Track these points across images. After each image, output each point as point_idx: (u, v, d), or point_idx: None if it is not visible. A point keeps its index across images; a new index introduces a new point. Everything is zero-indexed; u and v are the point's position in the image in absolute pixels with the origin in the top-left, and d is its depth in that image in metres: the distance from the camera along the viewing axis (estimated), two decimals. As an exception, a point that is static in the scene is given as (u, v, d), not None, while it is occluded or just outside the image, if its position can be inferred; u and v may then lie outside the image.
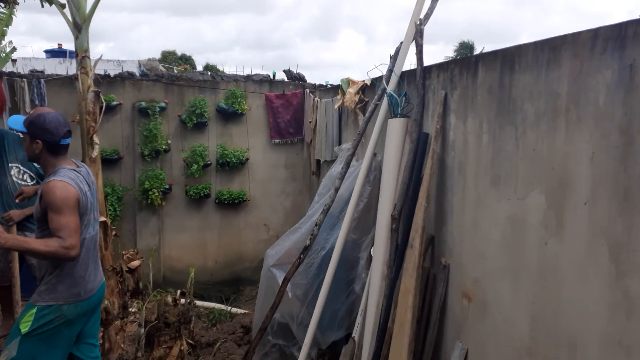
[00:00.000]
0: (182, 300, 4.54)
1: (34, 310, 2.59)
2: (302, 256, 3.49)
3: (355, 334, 3.30)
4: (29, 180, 4.30)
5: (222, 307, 5.63)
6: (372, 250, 3.35)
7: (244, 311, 5.50)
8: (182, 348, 3.96)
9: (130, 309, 4.69)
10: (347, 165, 3.53)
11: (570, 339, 1.73)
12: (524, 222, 1.98)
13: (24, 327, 2.58)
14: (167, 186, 6.15)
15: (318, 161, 5.81)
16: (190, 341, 4.44)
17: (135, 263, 4.96)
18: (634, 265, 1.46)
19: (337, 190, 3.48)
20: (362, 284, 3.47)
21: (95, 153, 4.66)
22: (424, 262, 2.78)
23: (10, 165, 4.25)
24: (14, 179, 4.22)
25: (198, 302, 5.49)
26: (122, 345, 4.16)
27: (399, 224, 2.92)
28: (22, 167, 4.28)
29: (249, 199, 6.54)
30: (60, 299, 2.63)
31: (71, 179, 2.61)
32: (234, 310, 5.58)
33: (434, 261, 2.81)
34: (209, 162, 6.28)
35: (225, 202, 6.38)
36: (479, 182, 2.34)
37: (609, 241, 1.55)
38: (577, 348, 1.70)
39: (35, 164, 4.30)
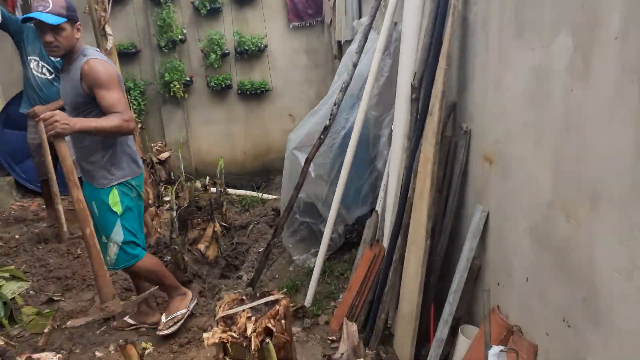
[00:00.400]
0: (213, 189, 4.69)
1: (115, 192, 2.74)
2: (322, 137, 3.45)
3: (378, 207, 3.33)
4: (47, 74, 4.29)
5: (254, 194, 5.80)
6: (392, 126, 3.26)
7: (275, 197, 5.65)
8: (216, 229, 4.14)
9: (164, 198, 4.88)
10: (365, 38, 3.33)
11: (593, 188, 1.66)
12: (549, 71, 1.82)
13: (118, 209, 2.76)
14: (187, 78, 6.07)
15: (339, 43, 5.55)
16: (223, 224, 4.64)
17: (165, 155, 5.07)
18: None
19: (355, 66, 3.32)
20: (384, 161, 3.44)
21: (110, 44, 4.55)
22: (444, 130, 2.68)
23: (29, 58, 4.23)
24: (34, 72, 4.22)
25: (230, 190, 5.67)
26: (158, 229, 4.39)
27: (420, 93, 2.79)
28: (40, 61, 4.26)
29: (271, 88, 6.42)
30: (128, 174, 2.81)
31: (104, 57, 2.62)
32: (265, 196, 5.74)
33: (455, 128, 2.72)
34: (226, 52, 6.10)
35: (248, 92, 6.28)
36: (503, 36, 2.16)
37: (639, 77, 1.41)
38: (599, 197, 1.63)
39: (53, 58, 4.27)
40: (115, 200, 2.72)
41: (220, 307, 1.83)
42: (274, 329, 1.70)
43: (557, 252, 1.86)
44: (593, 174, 1.65)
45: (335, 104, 3.32)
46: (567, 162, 1.78)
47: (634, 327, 1.50)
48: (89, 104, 2.60)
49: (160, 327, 3.02)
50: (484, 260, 2.48)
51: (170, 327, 3.02)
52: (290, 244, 4.14)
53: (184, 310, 3.11)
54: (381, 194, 3.30)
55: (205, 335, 1.72)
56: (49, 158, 4.31)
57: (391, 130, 3.37)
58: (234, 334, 1.70)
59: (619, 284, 1.55)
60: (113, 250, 2.81)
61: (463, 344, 2.44)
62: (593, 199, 1.66)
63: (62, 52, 2.58)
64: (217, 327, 1.75)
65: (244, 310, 1.78)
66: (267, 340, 1.56)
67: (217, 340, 1.70)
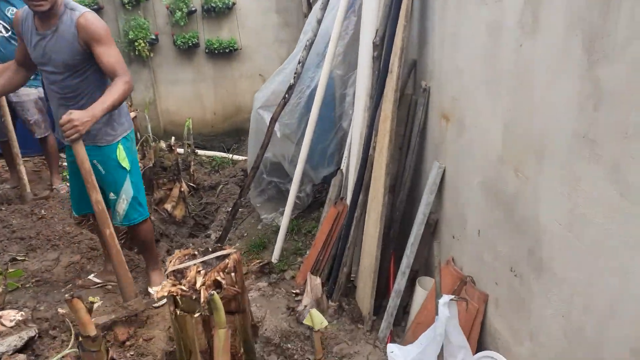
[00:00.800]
0: (181, 150, 4.64)
1: (121, 147, 2.70)
2: (287, 95, 3.43)
3: (343, 166, 3.37)
4: (3, 31, 4.13)
5: (224, 155, 5.78)
6: (356, 85, 3.26)
7: (245, 158, 5.64)
8: (182, 189, 4.13)
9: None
10: (331, -8, 3.28)
11: (539, 142, 1.71)
12: (501, 26, 1.84)
13: (126, 164, 2.73)
14: (153, 36, 5.89)
15: (309, 1, 5.44)
16: (191, 184, 4.63)
17: (131, 114, 4.96)
18: (605, 51, 1.37)
19: (319, 22, 3.28)
20: (349, 121, 3.45)
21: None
22: (404, 88, 2.70)
23: None
24: None
25: (200, 152, 5.63)
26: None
27: (381, 51, 2.78)
28: None
29: (240, 48, 6.29)
30: (127, 128, 2.77)
31: None
32: (235, 157, 5.73)
33: (416, 86, 2.74)
34: (193, 9, 5.93)
35: (216, 51, 6.15)
36: (461, -8, 2.16)
37: (584, 30, 1.44)
38: (544, 151, 1.69)
39: (9, 13, 4.09)
40: (122, 156, 2.68)
41: (170, 261, 1.85)
42: (223, 282, 1.73)
43: (507, 206, 1.93)
44: (540, 128, 1.70)
45: (299, 62, 3.30)
46: (516, 118, 1.83)
47: (572, 275, 1.59)
48: (86, 62, 2.46)
49: (155, 303, 3.01)
50: (440, 215, 2.55)
51: (161, 298, 3.04)
52: (258, 203, 4.17)
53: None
54: (346, 153, 3.33)
55: (154, 289, 1.74)
56: (9, 118, 4.21)
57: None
58: (183, 287, 1.73)
59: (559, 235, 1.63)
60: (122, 206, 2.79)
61: (420, 294, 2.54)
62: (539, 153, 1.71)
63: (49, 5, 2.38)
64: (167, 280, 1.77)
65: (194, 265, 1.80)
66: (213, 292, 1.59)
67: (166, 293, 1.73)
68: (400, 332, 2.84)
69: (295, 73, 3.30)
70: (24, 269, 3.48)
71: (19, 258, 3.65)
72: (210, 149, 6.18)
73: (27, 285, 3.32)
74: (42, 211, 4.21)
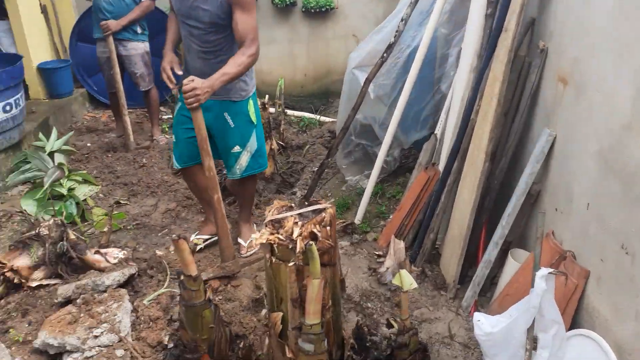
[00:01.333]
0: (272, 109, 4.71)
1: (251, 102, 2.82)
2: (385, 55, 3.31)
3: (438, 130, 3.24)
4: None
5: (312, 115, 5.80)
6: (463, 44, 3.07)
7: (332, 119, 5.63)
8: (273, 147, 4.20)
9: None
10: (440, -56, 3.08)
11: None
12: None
13: (254, 119, 2.87)
14: (251, -6, 5.94)
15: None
16: (280, 142, 4.70)
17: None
18: None
19: (426, -24, 3.11)
20: (449, 83, 3.29)
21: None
22: (519, 49, 2.51)
23: None
24: None
25: (289, 111, 5.69)
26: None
27: (495, 8, 2.59)
28: None
29: (336, 7, 6.18)
30: (251, 90, 2.83)
31: None
32: (323, 118, 5.73)
33: (531, 47, 2.53)
34: (291, -34, 5.89)
35: (312, 10, 6.09)
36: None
37: None
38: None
39: None
40: (252, 110, 2.79)
41: (269, 211, 1.88)
42: (319, 234, 1.74)
43: (627, 178, 1.75)
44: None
45: (402, 20, 3.16)
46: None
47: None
48: (229, 25, 2.49)
49: (242, 252, 3.16)
50: (544, 186, 2.39)
51: (251, 248, 3.17)
52: (344, 165, 4.16)
53: (258, 234, 3.28)
54: (442, 117, 3.19)
55: (253, 236, 1.78)
56: (118, 71, 4.47)
57: (460, 50, 3.19)
58: (280, 237, 1.76)
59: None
60: (245, 158, 2.93)
61: (512, 266, 2.42)
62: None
63: None
64: (265, 229, 1.80)
65: (291, 216, 1.82)
66: (310, 242, 1.60)
67: (264, 241, 1.77)
68: (485, 302, 2.76)
69: (396, 31, 3.18)
70: (126, 212, 3.76)
71: (122, 202, 3.93)
72: (299, 110, 6.21)
73: (129, 227, 3.58)
74: (144, 160, 4.49)
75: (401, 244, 3.04)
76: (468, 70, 2.78)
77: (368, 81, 3.36)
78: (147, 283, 2.91)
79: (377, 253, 3.19)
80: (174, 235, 1.76)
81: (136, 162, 4.46)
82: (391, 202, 3.83)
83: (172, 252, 3.22)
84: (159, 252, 3.21)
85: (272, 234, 1.76)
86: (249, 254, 3.19)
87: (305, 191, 4.24)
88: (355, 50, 3.85)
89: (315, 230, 1.71)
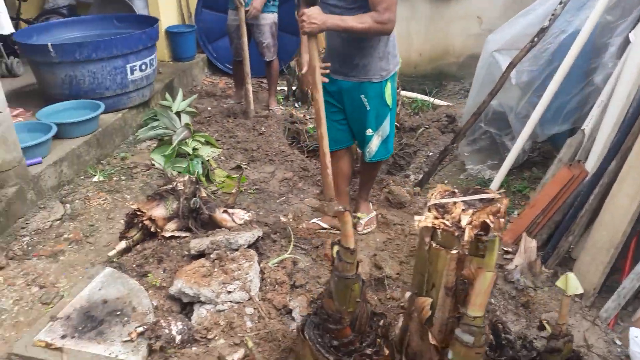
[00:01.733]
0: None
1: (389, 85, 2.75)
2: (535, 39, 3.10)
3: (585, 126, 2.99)
4: None
5: (426, 98, 5.62)
6: (631, 34, 2.79)
7: (448, 103, 5.43)
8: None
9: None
10: None
11: None
12: None
13: (390, 102, 2.79)
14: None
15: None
16: (395, 123, 4.61)
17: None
18: None
19: (595, -44, 2.84)
20: (605, 75, 3.01)
21: None
22: None
23: None
24: None
25: (402, 92, 5.56)
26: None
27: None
28: None
29: (461, -16, 5.90)
30: (397, 65, 2.77)
31: None
32: (437, 102, 5.54)
33: None
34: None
35: (436, -13, 5.86)
36: None
37: None
38: None
39: None
40: (389, 93, 2.70)
41: (432, 194, 1.82)
42: (492, 225, 1.64)
43: None
44: None
45: (560, 2, 2.92)
46: None
47: None
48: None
49: (359, 229, 3.16)
50: None
51: (368, 226, 3.19)
52: (467, 152, 4.00)
53: (374, 213, 3.27)
54: (594, 112, 2.94)
55: (417, 217, 1.73)
56: (245, 40, 4.56)
57: (625, 39, 2.90)
58: (447, 222, 1.69)
59: None
60: (376, 142, 2.89)
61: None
62: None
63: None
64: (430, 213, 1.74)
65: (457, 202, 1.74)
66: (496, 234, 1.52)
67: (429, 225, 1.71)
68: (624, 315, 2.57)
69: (552, 15, 2.95)
70: (246, 176, 3.87)
71: (242, 166, 4.05)
72: (410, 91, 6.06)
73: (249, 192, 3.68)
74: (262, 128, 4.59)
75: (533, 243, 2.87)
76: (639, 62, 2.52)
77: (512, 65, 3.17)
78: (271, 247, 2.98)
79: (504, 249, 3.04)
80: (340, 207, 1.75)
81: (255, 130, 4.57)
82: (516, 196, 3.63)
83: (291, 220, 3.27)
84: (283, 219, 3.27)
85: (436, 218, 1.70)
86: (365, 231, 3.18)
87: (420, 175, 4.14)
88: (494, 33, 3.65)
89: (488, 221, 1.62)
